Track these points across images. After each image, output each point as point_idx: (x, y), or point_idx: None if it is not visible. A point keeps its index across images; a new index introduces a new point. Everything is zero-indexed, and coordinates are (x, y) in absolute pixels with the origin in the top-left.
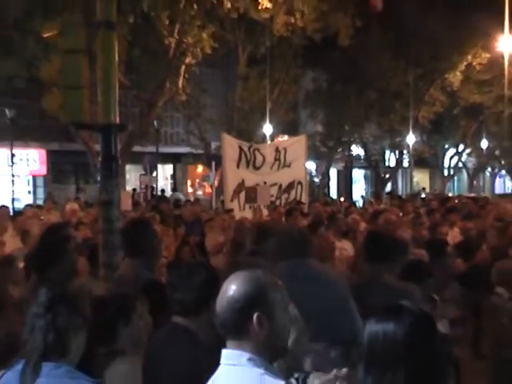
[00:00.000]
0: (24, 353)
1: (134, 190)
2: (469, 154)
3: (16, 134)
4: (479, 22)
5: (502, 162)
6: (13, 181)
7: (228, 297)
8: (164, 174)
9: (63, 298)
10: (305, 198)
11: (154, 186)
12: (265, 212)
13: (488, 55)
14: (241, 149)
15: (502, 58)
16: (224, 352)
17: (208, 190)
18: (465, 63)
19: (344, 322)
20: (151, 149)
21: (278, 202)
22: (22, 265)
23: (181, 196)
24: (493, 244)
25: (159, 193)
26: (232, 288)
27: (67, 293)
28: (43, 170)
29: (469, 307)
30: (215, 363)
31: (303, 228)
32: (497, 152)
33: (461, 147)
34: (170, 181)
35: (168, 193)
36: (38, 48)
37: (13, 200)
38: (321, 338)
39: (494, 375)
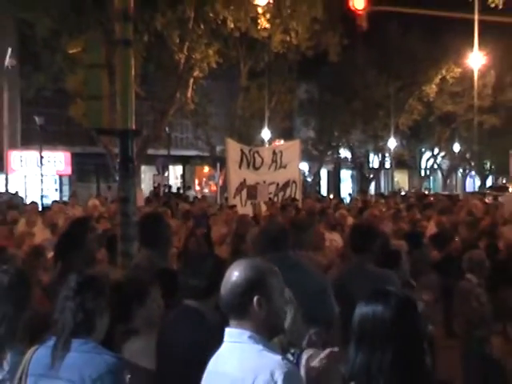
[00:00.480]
0: (55, 330)
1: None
2: (443, 157)
3: (44, 139)
4: (452, 41)
5: (472, 164)
6: (42, 180)
7: (231, 282)
8: (174, 173)
9: (90, 283)
10: (299, 195)
11: (169, 184)
12: (263, 207)
13: (459, 70)
14: (242, 152)
15: (472, 72)
16: (227, 330)
17: (213, 188)
18: (439, 77)
19: (322, 307)
20: (163, 152)
21: (275, 199)
22: (50, 254)
23: (193, 193)
24: (464, 236)
25: (175, 191)
26: (235, 274)
27: (94, 278)
28: (68, 171)
29: (442, 291)
30: (220, 340)
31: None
32: (467, 155)
33: (436, 151)
34: (179, 180)
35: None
36: (64, 63)
37: (41, 197)
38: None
39: (463, 351)
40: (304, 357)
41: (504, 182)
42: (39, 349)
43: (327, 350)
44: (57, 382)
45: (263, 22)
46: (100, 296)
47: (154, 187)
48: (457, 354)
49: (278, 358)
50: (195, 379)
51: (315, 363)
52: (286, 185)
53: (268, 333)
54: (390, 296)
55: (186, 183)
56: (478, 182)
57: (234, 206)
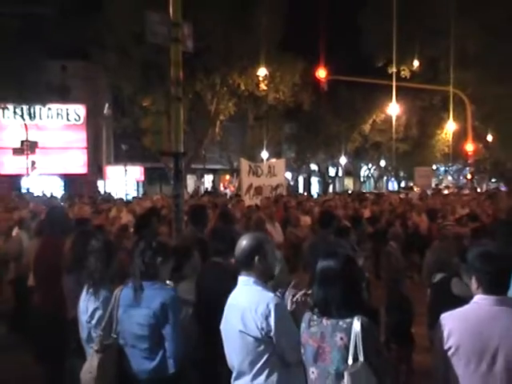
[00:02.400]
0: (133, 276)
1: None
2: (374, 169)
3: (128, 159)
4: (379, 97)
5: (392, 173)
6: (126, 184)
7: (241, 247)
8: (208, 180)
9: (154, 246)
10: (285, 193)
11: (205, 186)
12: (264, 201)
13: (384, 115)
14: (250, 166)
15: (391, 117)
16: (240, 278)
17: (232, 188)
18: (371, 120)
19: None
20: (201, 166)
21: (270, 195)
22: (131, 230)
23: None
24: (387, 218)
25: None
26: (243, 242)
27: (158, 243)
28: (142, 178)
29: (374, 252)
30: (235, 284)
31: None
32: (389, 168)
33: (369, 165)
34: (211, 184)
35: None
36: (140, 111)
37: (126, 194)
38: None
39: (386, 289)
40: (287, 294)
41: (411, 184)
42: (124, 289)
43: (302, 291)
44: (139, 309)
45: (263, 86)
46: (160, 254)
47: (195, 188)
48: (382, 291)
49: (272, 294)
50: (220, 308)
51: (295, 299)
52: (277, 187)
53: (265, 279)
54: (339, 255)
55: (215, 186)
56: (395, 185)
57: (243, 200)
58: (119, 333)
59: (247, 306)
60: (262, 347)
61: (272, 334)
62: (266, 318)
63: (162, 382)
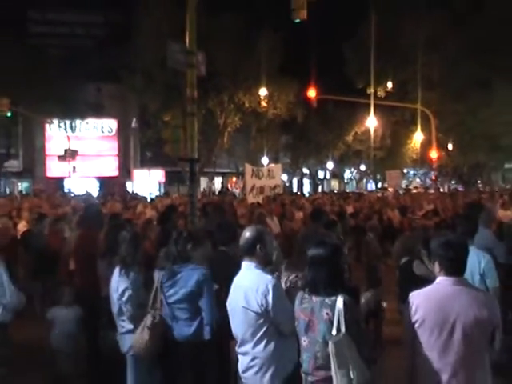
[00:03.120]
0: (169, 261)
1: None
2: (356, 173)
3: (151, 164)
4: (359, 112)
5: (371, 176)
6: (149, 184)
7: (245, 237)
8: (217, 181)
9: (184, 235)
10: (281, 192)
11: (215, 187)
12: (264, 199)
13: (363, 127)
14: (253, 170)
15: (369, 129)
16: (243, 263)
17: (238, 189)
18: (353, 131)
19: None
20: (212, 170)
21: (270, 194)
22: (155, 223)
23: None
24: (366, 213)
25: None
26: (247, 233)
27: (188, 232)
28: (163, 179)
29: (356, 242)
30: (239, 268)
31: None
32: (368, 171)
33: (352, 169)
34: (220, 185)
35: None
36: (162, 125)
37: (149, 193)
38: None
39: (366, 271)
40: (282, 276)
41: (386, 185)
42: (164, 271)
43: (294, 275)
44: (179, 287)
45: (263, 103)
46: (190, 242)
47: (205, 189)
48: (363, 272)
49: (270, 277)
50: (226, 288)
51: (289, 280)
52: (275, 187)
53: (264, 264)
54: (326, 244)
55: (224, 187)
56: (374, 186)
57: (246, 199)
58: (164, 307)
59: (249, 286)
60: (261, 320)
61: (270, 309)
62: (265, 296)
63: (199, 345)
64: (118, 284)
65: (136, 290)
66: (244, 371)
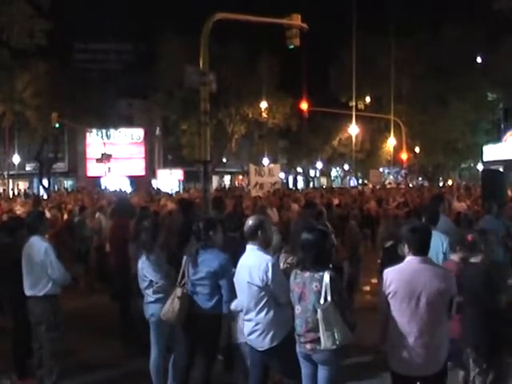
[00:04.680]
0: (193, 246)
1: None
2: (341, 171)
3: (172, 165)
4: (343, 121)
5: (353, 174)
6: (171, 182)
7: (249, 224)
8: (227, 179)
9: (205, 223)
10: (279, 187)
11: (225, 183)
12: (265, 193)
13: (346, 134)
14: (255, 169)
15: (351, 135)
16: (247, 246)
17: (243, 184)
18: (338, 137)
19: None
20: (222, 169)
21: (271, 189)
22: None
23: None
24: (348, 204)
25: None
26: (250, 221)
27: (208, 220)
28: (182, 178)
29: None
30: (244, 250)
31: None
32: (351, 170)
33: (337, 168)
34: (229, 182)
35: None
36: (180, 132)
37: (171, 189)
38: None
39: (348, 253)
40: (280, 257)
41: (366, 182)
42: (190, 255)
43: (291, 257)
44: (203, 268)
45: (264, 115)
46: (210, 228)
47: (217, 186)
48: (345, 253)
49: (269, 257)
50: (234, 265)
51: (286, 262)
52: (274, 183)
53: (265, 247)
54: (316, 230)
55: (232, 184)
56: (355, 182)
57: (250, 193)
58: (190, 283)
59: (253, 264)
60: (262, 293)
61: (270, 283)
62: (266, 272)
63: (217, 317)
64: (142, 264)
65: (157, 269)
66: (249, 334)
